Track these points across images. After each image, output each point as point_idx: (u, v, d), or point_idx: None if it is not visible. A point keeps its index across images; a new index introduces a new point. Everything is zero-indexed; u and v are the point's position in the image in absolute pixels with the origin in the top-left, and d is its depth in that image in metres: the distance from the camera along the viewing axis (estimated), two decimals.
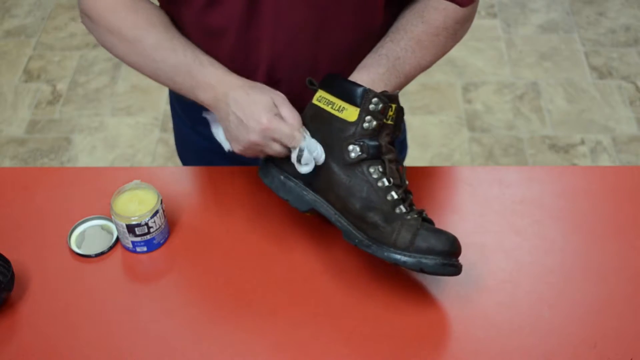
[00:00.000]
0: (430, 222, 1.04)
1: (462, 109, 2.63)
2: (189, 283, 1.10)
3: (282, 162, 1.08)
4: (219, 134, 1.12)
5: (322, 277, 1.08)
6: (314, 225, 1.15)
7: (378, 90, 1.05)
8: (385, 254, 1.00)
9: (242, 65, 1.12)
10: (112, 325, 1.04)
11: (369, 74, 1.07)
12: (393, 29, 1.13)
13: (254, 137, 1.03)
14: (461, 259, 1.04)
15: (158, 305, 1.07)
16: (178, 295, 1.08)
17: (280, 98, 1.06)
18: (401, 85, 1.11)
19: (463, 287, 1.07)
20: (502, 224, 1.15)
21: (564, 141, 2.50)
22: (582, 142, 2.50)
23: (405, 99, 1.10)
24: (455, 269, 1.01)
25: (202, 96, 1.08)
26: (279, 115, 1.04)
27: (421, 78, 2.68)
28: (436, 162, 2.44)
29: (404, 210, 1.02)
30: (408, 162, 1.45)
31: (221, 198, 1.20)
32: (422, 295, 1.06)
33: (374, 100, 1.02)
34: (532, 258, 1.11)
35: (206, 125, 1.33)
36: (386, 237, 1.01)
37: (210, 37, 1.11)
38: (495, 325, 1.03)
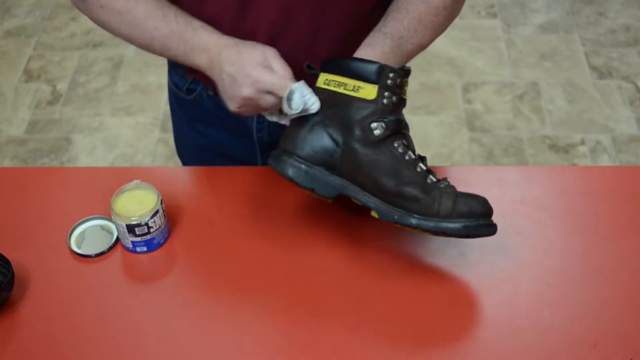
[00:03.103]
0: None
1: (462, 109, 2.63)
2: (189, 283, 1.10)
3: (297, 149, 1.05)
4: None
5: (322, 277, 1.08)
6: (314, 224, 1.15)
7: None
8: (432, 224, 1.00)
9: None
10: (112, 325, 1.04)
11: (374, 53, 1.07)
12: (393, 7, 1.12)
13: (247, 91, 1.03)
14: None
15: (158, 305, 1.07)
16: (178, 295, 1.08)
17: (271, 52, 1.05)
18: (402, 65, 1.11)
19: (463, 287, 1.07)
20: (502, 224, 1.15)
21: (564, 141, 2.50)
22: (582, 142, 2.50)
23: None
24: (495, 229, 1.03)
25: (197, 60, 1.09)
26: (270, 68, 1.04)
27: (421, 78, 2.71)
28: (436, 162, 2.44)
29: (434, 180, 1.02)
30: None
31: (221, 198, 1.20)
32: (421, 295, 1.06)
33: (391, 75, 1.02)
34: (532, 258, 1.11)
35: (205, 123, 1.32)
36: (428, 207, 1.00)
37: None
38: (495, 325, 1.03)
